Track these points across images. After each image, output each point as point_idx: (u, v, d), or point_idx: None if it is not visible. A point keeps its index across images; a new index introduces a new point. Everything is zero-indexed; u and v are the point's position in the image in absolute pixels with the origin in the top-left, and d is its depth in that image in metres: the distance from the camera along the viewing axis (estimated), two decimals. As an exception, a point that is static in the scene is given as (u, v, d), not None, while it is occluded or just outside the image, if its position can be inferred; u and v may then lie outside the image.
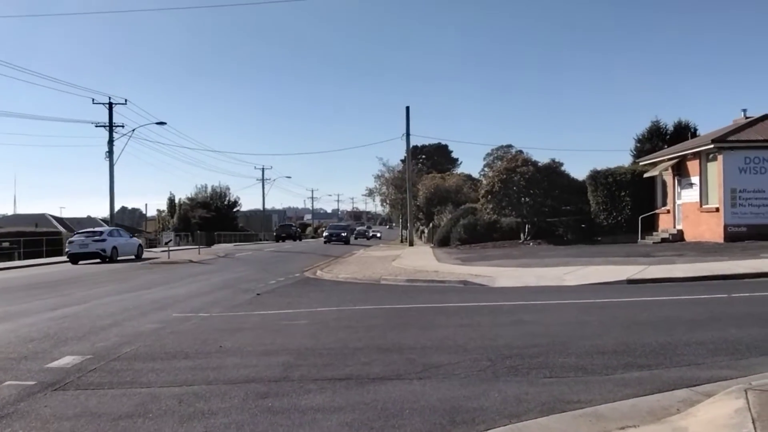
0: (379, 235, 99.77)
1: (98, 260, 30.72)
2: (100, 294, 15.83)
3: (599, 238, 32.41)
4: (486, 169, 71.03)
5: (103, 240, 31.20)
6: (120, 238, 33.30)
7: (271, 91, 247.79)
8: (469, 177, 64.84)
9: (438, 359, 7.38)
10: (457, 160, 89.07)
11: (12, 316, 11.78)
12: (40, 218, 66.02)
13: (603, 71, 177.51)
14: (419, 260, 26.75)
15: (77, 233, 32.95)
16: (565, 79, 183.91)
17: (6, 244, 35.40)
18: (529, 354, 7.54)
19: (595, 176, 34.13)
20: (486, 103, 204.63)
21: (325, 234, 62.92)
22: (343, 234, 61.08)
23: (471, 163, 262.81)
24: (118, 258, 31.78)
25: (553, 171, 34.87)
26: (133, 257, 33.55)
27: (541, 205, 33.99)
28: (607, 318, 10.35)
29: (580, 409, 5.35)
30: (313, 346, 8.40)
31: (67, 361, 7.66)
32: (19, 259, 33.96)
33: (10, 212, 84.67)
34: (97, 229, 35.40)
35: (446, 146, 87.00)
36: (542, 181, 33.72)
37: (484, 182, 39.68)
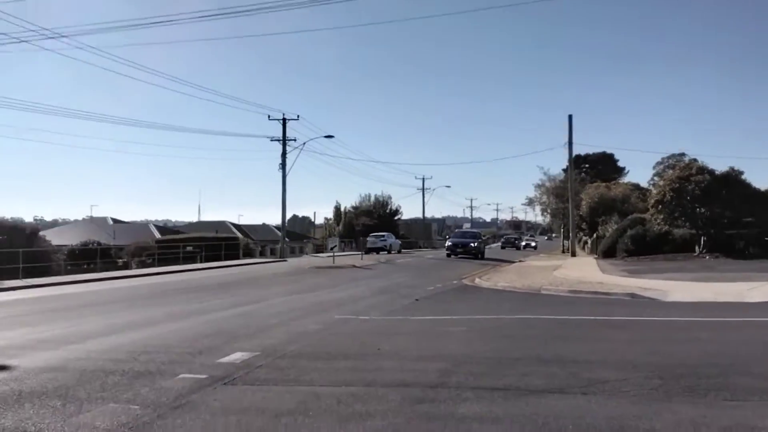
0: (534, 244, 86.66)
1: (385, 252, 49.10)
2: (269, 295, 16.70)
3: (786, 253, 29.28)
4: (656, 178, 66.72)
5: (385, 240, 50.94)
6: (392, 239, 53.13)
7: (432, 100, 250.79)
8: (636, 186, 61.30)
9: (603, 374, 6.93)
10: (623, 169, 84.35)
11: (191, 314, 12.73)
12: (220, 225, 71.32)
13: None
14: (582, 271, 25.67)
15: (371, 236, 52.61)
16: (745, 81, 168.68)
17: (190, 248, 38.64)
18: (706, 374, 6.87)
19: (782, 184, 30.83)
20: (656, 110, 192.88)
21: (447, 245, 45.06)
22: (472, 244, 42.32)
23: (638, 173, 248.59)
24: (392, 251, 49.85)
25: (733, 179, 32.11)
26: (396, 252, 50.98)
27: (718, 216, 31.42)
28: (800, 338, 9.24)
29: (767, 437, 4.78)
30: (471, 354, 8.24)
31: (237, 357, 8.09)
32: (201, 262, 36.90)
33: (195, 219, 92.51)
34: (381, 234, 54.22)
35: (611, 155, 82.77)
36: (720, 191, 31.15)
37: (654, 191, 37.34)
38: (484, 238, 48.51)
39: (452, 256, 40.84)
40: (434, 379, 6.84)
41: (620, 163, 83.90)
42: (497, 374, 7.05)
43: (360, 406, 5.83)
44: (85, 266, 31.70)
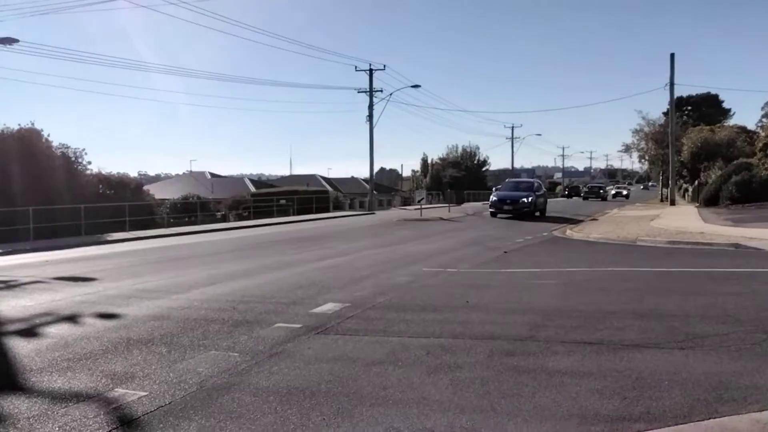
0: (625, 193, 76.56)
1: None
2: (359, 248, 16.99)
3: None
4: (765, 120, 62.46)
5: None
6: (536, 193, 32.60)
7: (522, 45, 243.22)
8: (743, 129, 57.64)
9: (703, 329, 6.68)
10: (729, 110, 79.32)
11: (285, 266, 13.14)
12: (311, 179, 72.83)
13: None
14: (682, 220, 24.61)
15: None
16: None
17: (283, 202, 39.71)
18: (816, 329, 6.50)
19: None
20: (763, 47, 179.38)
21: (492, 199, 31.99)
22: (523, 200, 30.33)
23: (745, 114, 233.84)
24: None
25: None
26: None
27: (836, 159, 29.17)
28: None
29: None
30: (561, 307, 8.11)
31: (329, 307, 8.31)
32: (293, 215, 37.89)
33: (286, 173, 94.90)
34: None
35: (716, 96, 77.90)
36: (839, 131, 28.81)
37: (763, 134, 35.11)
38: (537, 190, 33.20)
39: (495, 215, 30.90)
40: (523, 333, 6.80)
41: (725, 105, 79.02)
42: (589, 328, 6.92)
43: (448, 357, 5.89)
44: (186, 219, 33.24)
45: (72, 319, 7.90)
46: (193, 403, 4.79)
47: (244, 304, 8.61)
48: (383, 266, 12.76)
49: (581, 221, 27.55)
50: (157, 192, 42.67)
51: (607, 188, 79.64)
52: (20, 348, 6.55)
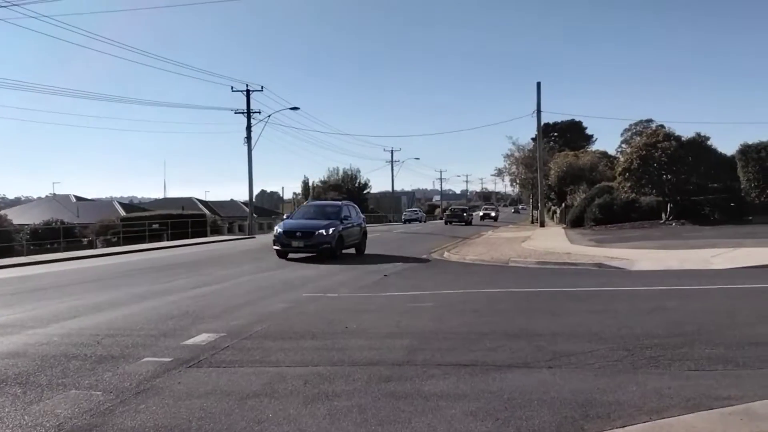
0: (493, 214, 77.84)
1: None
2: (237, 274, 16.53)
3: (750, 218, 29.94)
4: (623, 145, 67.38)
5: (418, 213, 61.33)
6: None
7: (398, 71, 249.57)
8: (604, 154, 61.94)
9: (569, 347, 6.99)
10: (591, 136, 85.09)
11: (156, 294, 12.54)
12: (187, 202, 70.47)
13: (752, 35, 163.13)
14: (550, 241, 25.93)
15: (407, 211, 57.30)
16: (710, 47, 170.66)
17: (155, 226, 38.10)
18: (671, 344, 6.98)
19: (746, 150, 31.29)
20: (622, 77, 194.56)
21: (277, 231, 21.54)
22: (321, 231, 20.35)
23: (607, 140, 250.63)
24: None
25: (699, 146, 32.49)
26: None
27: (684, 183, 31.87)
28: (762, 305, 9.43)
29: (730, 407, 4.85)
30: (438, 330, 8.25)
31: (202, 338, 7.98)
32: (168, 239, 36.43)
33: (160, 196, 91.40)
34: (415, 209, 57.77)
35: (580, 123, 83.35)
36: (686, 157, 31.53)
37: (622, 159, 37.76)
38: (355, 219, 28.21)
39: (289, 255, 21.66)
40: (401, 357, 6.83)
41: (588, 131, 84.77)
42: (464, 350, 7.07)
43: (326, 386, 5.80)
44: (49, 246, 31.09)
45: None
46: (49, 450, 4.42)
47: (110, 338, 8.09)
48: (262, 293, 12.47)
49: (460, 242, 28.31)
50: (16, 217, 39.89)
51: (474, 212, 78.14)
52: None
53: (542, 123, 49.78)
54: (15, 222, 35.00)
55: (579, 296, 11.30)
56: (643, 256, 17.24)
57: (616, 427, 4.60)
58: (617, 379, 5.74)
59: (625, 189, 34.07)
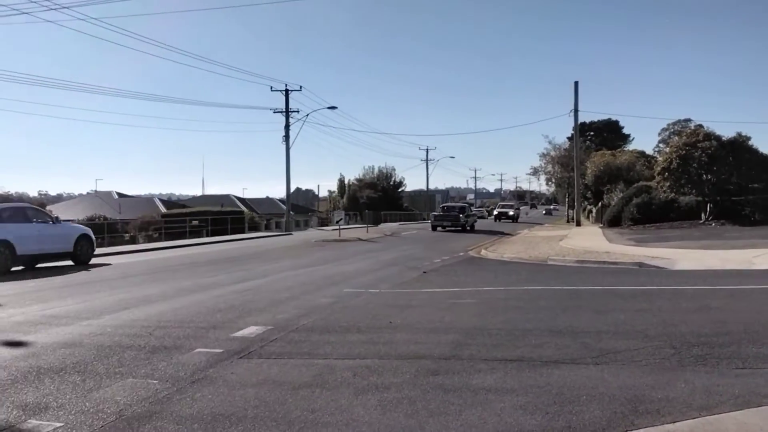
0: (511, 213, 65.24)
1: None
2: (278, 269, 16.77)
3: (793, 219, 29.24)
4: (661, 145, 66.38)
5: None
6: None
7: (434, 70, 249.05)
8: (642, 154, 61.10)
9: (615, 345, 7.00)
10: (628, 136, 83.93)
11: (202, 288, 12.82)
12: (225, 199, 71.36)
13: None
14: (588, 240, 25.71)
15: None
16: (750, 45, 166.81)
17: (195, 222, 38.75)
18: (718, 343, 6.94)
19: (789, 150, 30.55)
20: (661, 75, 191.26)
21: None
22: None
23: (644, 139, 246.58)
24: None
25: (740, 146, 31.93)
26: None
27: (725, 183, 31.33)
28: (810, 306, 9.28)
29: (781, 405, 4.83)
30: (482, 326, 8.31)
31: (250, 331, 8.17)
32: (207, 236, 36.99)
33: (198, 193, 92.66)
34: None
35: (616, 122, 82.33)
36: (726, 157, 31.01)
37: (660, 159, 37.21)
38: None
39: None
40: (447, 351, 6.91)
41: (625, 130, 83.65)
42: (509, 346, 7.12)
43: (375, 378, 5.91)
44: (93, 241, 31.77)
45: (-27, 348, 7.42)
46: (113, 434, 4.61)
47: (161, 330, 8.34)
48: (304, 288, 12.66)
49: (496, 240, 28.26)
50: (61, 213, 40.60)
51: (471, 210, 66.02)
52: None
53: (579, 122, 49.22)
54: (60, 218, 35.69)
55: (622, 294, 11.24)
56: (684, 256, 17.02)
57: (667, 423, 4.63)
58: (665, 377, 5.75)
59: (664, 189, 33.61)
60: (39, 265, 18.72)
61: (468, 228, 40.09)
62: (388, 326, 8.46)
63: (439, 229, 40.09)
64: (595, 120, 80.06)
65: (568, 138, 66.40)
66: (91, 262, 20.00)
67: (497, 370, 6.11)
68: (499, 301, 10.59)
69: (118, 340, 7.72)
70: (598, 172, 52.17)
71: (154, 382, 5.89)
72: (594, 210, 54.21)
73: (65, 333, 8.24)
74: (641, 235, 27.71)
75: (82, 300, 11.30)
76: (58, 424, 4.78)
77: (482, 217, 69.34)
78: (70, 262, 19.25)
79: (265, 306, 10.25)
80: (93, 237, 20.79)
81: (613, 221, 37.78)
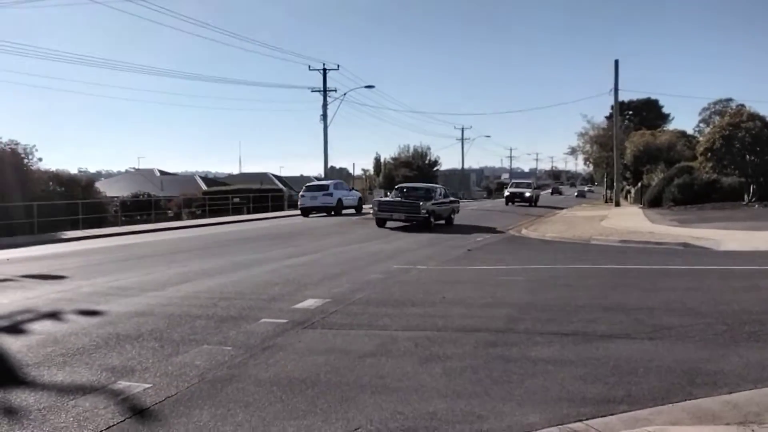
0: (528, 194, 48.53)
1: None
2: (326, 246, 17.12)
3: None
4: (702, 125, 65.03)
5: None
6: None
7: (472, 49, 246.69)
8: (682, 134, 59.89)
9: (668, 321, 7.18)
10: (668, 115, 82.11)
11: (255, 263, 13.24)
12: (263, 177, 72.03)
13: None
14: (629, 221, 25.61)
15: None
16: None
17: (237, 200, 39.47)
18: (770, 320, 7.08)
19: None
20: (702, 53, 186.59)
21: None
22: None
23: (684, 119, 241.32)
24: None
25: (785, 126, 31.23)
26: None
27: (768, 164, 30.76)
28: None
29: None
30: (534, 302, 8.54)
31: (310, 303, 8.53)
32: (248, 213, 37.65)
33: (234, 171, 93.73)
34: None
35: (656, 101, 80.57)
36: (770, 138, 30.41)
37: (702, 139, 36.61)
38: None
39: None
40: (502, 325, 7.18)
41: (665, 110, 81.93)
42: (563, 320, 7.35)
43: (437, 348, 6.20)
44: (138, 217, 32.70)
45: (54, 316, 7.89)
46: (199, 394, 4.97)
47: (225, 301, 8.74)
48: (353, 264, 13.01)
49: (535, 219, 28.28)
50: (105, 189, 41.76)
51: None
52: (9, 344, 6.53)
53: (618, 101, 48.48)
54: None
55: (670, 273, 11.35)
56: (729, 237, 16.92)
57: (723, 393, 4.84)
58: (719, 351, 5.93)
59: (707, 169, 33.15)
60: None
61: (440, 222, 24.85)
62: (442, 301, 8.74)
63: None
64: (634, 99, 78.54)
65: (606, 117, 65.36)
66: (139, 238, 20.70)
67: (554, 343, 6.36)
68: (547, 279, 10.79)
69: (186, 310, 8.13)
70: (637, 152, 51.39)
71: (228, 348, 6.27)
72: (633, 190, 53.53)
73: (135, 303, 8.69)
74: (683, 215, 27.45)
75: (144, 273, 11.79)
76: (147, 385, 5.16)
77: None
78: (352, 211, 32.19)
79: (319, 280, 10.62)
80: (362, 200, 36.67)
81: (653, 202, 37.39)
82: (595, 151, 64.36)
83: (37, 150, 26.93)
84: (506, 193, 51.73)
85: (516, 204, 46.62)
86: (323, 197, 32.70)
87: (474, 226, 25.10)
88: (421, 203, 22.65)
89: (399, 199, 24.13)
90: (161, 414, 4.56)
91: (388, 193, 35.56)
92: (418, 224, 22.49)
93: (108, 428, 4.29)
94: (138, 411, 4.62)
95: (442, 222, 24.77)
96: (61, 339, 6.70)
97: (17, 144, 26.39)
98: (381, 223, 23.71)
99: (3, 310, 8.33)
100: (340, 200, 33.35)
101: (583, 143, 67.09)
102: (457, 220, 27.12)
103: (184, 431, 4.24)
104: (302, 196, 33.46)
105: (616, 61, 45.09)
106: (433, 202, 23.62)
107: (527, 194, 48.41)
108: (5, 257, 15.22)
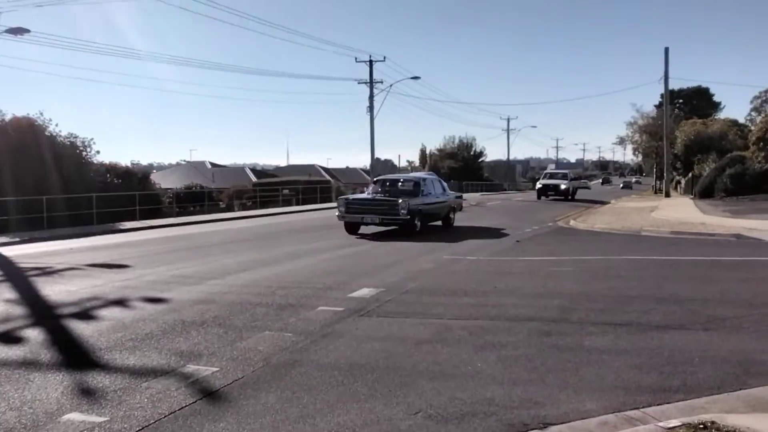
0: (563, 187, 41.44)
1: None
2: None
3: None
4: (753, 113, 63.08)
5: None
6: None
7: (518, 38, 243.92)
8: (734, 123, 58.24)
9: (722, 312, 7.18)
10: (719, 104, 79.94)
11: (308, 253, 13.56)
12: (311, 168, 72.97)
13: None
14: (680, 212, 25.18)
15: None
16: None
17: (286, 191, 40.09)
18: (828, 312, 7.02)
19: None
20: (753, 40, 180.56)
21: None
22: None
23: (735, 108, 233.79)
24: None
25: None
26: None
27: (824, 154, 29.82)
28: None
29: None
30: (586, 292, 8.60)
31: (364, 292, 8.75)
32: (297, 204, 38.19)
33: (281, 163, 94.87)
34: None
35: (706, 89, 78.54)
36: (829, 126, 29.45)
37: (754, 128, 35.67)
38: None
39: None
40: (555, 315, 7.27)
41: (715, 98, 79.79)
42: (617, 311, 7.41)
43: (490, 337, 6.35)
44: (191, 208, 33.51)
45: (121, 303, 8.28)
46: (265, 377, 5.21)
47: (283, 290, 9.03)
48: (404, 254, 13.21)
49: (583, 210, 28.00)
50: (159, 181, 42.83)
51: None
52: (81, 330, 6.90)
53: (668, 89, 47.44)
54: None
55: (723, 265, 11.23)
56: (786, 228, 16.56)
57: (780, 384, 4.87)
58: (775, 343, 5.94)
59: (759, 159, 32.33)
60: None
61: (435, 223, 19.91)
62: (494, 291, 8.87)
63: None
64: (684, 87, 76.68)
65: (655, 106, 64.04)
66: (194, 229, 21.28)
67: (608, 333, 6.44)
68: (599, 270, 10.80)
69: (246, 298, 8.44)
70: (688, 142, 50.26)
71: (289, 334, 6.52)
72: (683, 181, 52.39)
73: (197, 291, 9.05)
74: (735, 206, 26.86)
75: (202, 262, 12.22)
76: (215, 369, 5.43)
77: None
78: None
79: (372, 270, 10.84)
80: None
81: (704, 192, 36.63)
82: (645, 140, 63.13)
83: (95, 143, 27.86)
84: (537, 185, 44.44)
85: (550, 198, 40.97)
86: None
87: (520, 218, 24.91)
88: (400, 201, 17.03)
89: (371, 196, 18.91)
90: (230, 396, 4.80)
91: (365, 189, 25.93)
92: (401, 229, 17.52)
93: (181, 409, 4.53)
94: (208, 393, 4.87)
95: (438, 223, 19.86)
96: (129, 325, 7.04)
97: (76, 137, 27.32)
98: (352, 229, 17.93)
99: (72, 297, 8.76)
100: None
101: (632, 133, 65.90)
102: (502, 212, 26.98)
103: (253, 412, 4.46)
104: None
105: (666, 49, 44.25)
106: (420, 199, 18.08)
107: (562, 186, 41.41)
108: (69, 247, 15.88)
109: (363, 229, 18.07)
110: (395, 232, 17.76)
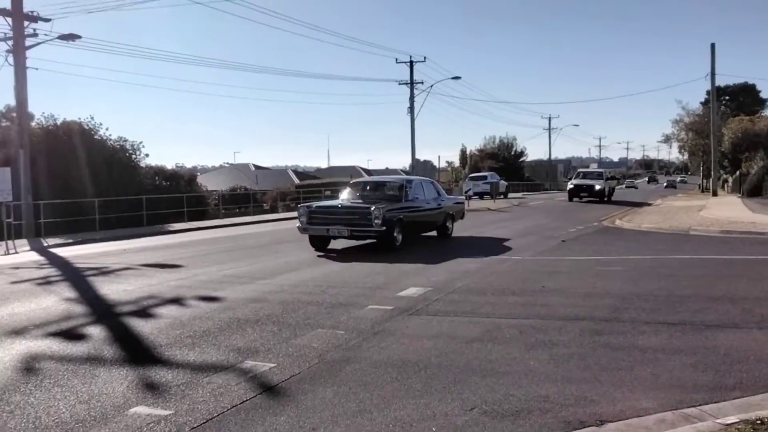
0: (598, 187, 37.19)
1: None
2: (419, 237, 17.24)
3: None
4: (801, 109, 61.17)
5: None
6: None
7: (560, 37, 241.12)
8: (781, 119, 56.54)
9: (778, 311, 7.07)
10: (766, 100, 77.63)
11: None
12: (352, 170, 73.12)
13: None
14: (729, 211, 24.65)
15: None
16: None
17: (328, 193, 40.42)
18: None
19: None
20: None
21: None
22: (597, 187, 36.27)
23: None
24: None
25: None
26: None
27: None
28: None
29: None
30: (637, 292, 8.53)
31: (412, 291, 8.85)
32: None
33: (322, 165, 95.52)
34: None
35: (753, 85, 76.35)
36: None
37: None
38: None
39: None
40: (606, 314, 7.25)
41: (762, 95, 77.62)
42: (669, 310, 7.36)
43: (541, 336, 6.37)
44: (237, 210, 34.08)
45: (176, 301, 8.52)
46: (320, 373, 5.34)
47: (332, 289, 9.19)
48: (450, 253, 13.26)
49: (629, 210, 27.61)
50: (205, 183, 43.63)
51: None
52: (141, 327, 7.13)
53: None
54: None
55: (777, 265, 11.02)
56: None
57: (842, 384, 4.80)
58: (832, 342, 5.84)
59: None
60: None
61: (429, 233, 16.89)
62: (542, 290, 8.87)
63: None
64: (730, 84, 74.78)
65: (701, 103, 62.71)
66: (242, 230, 21.63)
67: (661, 332, 6.41)
68: (648, 269, 10.70)
69: (297, 297, 8.62)
70: (735, 140, 49.00)
71: (341, 332, 6.65)
72: (730, 179, 51.16)
73: (249, 290, 9.26)
74: (787, 205, 26.22)
75: (253, 262, 12.48)
76: (272, 365, 5.58)
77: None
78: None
79: (418, 270, 10.93)
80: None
81: (752, 191, 35.79)
82: (691, 138, 61.85)
83: (143, 146, 28.55)
84: (569, 186, 39.92)
85: (583, 200, 36.97)
86: None
87: (564, 217, 24.69)
88: (372, 209, 13.46)
89: (339, 204, 15.06)
90: (288, 391, 4.94)
91: (341, 194, 17.59)
92: (378, 243, 14.12)
93: (242, 402, 4.68)
94: (267, 388, 5.01)
95: (433, 233, 16.77)
96: (186, 322, 7.26)
97: (126, 141, 28.04)
98: (317, 244, 14.47)
99: (130, 296, 9.04)
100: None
101: (677, 130, 64.64)
102: (545, 211, 26.67)
103: (312, 407, 4.58)
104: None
105: (713, 45, 43.43)
106: (402, 205, 14.71)
107: (597, 187, 37.05)
108: (123, 248, 16.35)
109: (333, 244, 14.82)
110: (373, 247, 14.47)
